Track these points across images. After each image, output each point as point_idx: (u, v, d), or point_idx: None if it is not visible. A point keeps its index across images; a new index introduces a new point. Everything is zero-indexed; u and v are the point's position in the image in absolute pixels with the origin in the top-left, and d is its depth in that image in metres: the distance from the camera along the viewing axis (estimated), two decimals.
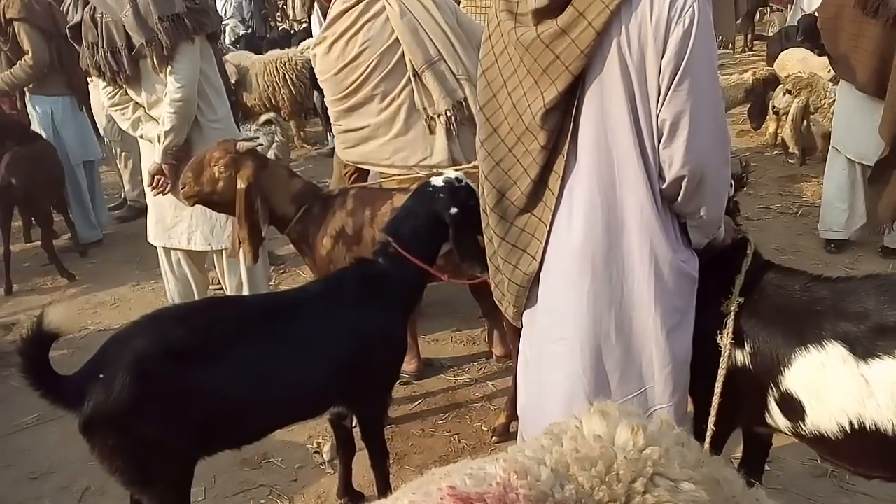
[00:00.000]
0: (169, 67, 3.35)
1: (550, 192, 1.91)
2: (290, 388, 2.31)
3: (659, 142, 1.83)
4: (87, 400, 2.02)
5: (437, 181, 2.58)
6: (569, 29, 1.77)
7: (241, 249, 3.11)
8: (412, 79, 3.37)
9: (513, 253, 2.00)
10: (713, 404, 1.98)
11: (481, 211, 2.11)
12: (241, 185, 3.00)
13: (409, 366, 3.47)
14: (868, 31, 3.95)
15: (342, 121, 3.62)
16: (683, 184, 1.84)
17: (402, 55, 3.39)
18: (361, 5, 3.42)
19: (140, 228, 3.96)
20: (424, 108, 3.39)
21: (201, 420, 2.15)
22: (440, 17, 3.38)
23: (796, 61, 6.78)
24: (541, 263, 1.97)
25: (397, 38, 3.38)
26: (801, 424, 1.93)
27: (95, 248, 5.75)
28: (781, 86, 6.27)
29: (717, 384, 1.97)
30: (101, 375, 2.04)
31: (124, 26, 3.33)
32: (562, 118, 1.87)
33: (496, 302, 2.18)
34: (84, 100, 5.61)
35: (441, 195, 2.52)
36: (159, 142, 3.44)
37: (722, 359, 1.97)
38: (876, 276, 2.01)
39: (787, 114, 6.22)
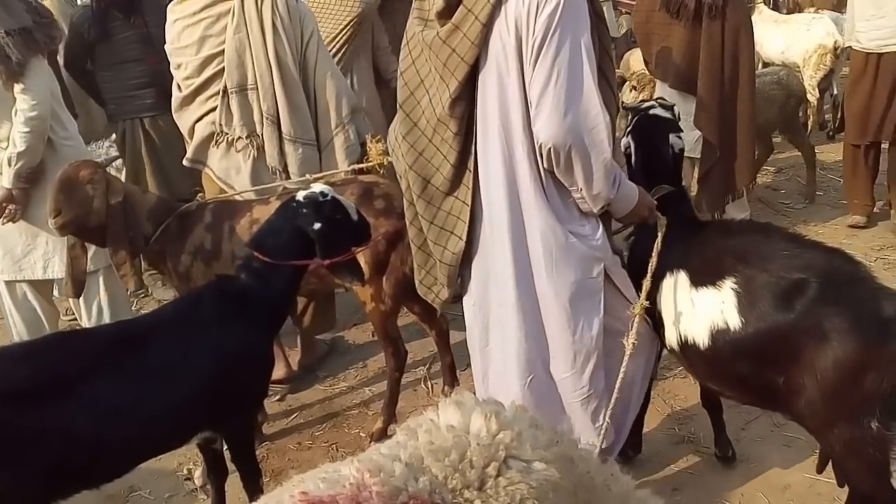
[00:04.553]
0: (21, 85, 3.14)
1: (470, 172, 2.10)
2: (150, 419, 2.18)
3: None
4: None
5: (300, 196, 2.49)
6: (461, 24, 1.99)
7: (122, 275, 2.93)
8: (220, 94, 3.29)
9: (441, 235, 2.18)
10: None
11: (406, 204, 2.24)
12: (114, 200, 2.84)
13: (277, 373, 3.34)
14: (676, 32, 4.29)
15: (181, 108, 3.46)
16: (553, 157, 1.97)
17: (223, 68, 3.28)
18: None
19: None
20: (221, 125, 3.31)
21: (53, 462, 2.01)
22: (273, 46, 3.22)
23: (639, 60, 7.20)
24: (468, 242, 2.14)
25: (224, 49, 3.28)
26: (664, 338, 2.35)
27: None
28: (627, 83, 6.63)
29: (626, 348, 2.14)
30: None
31: None
32: (469, 106, 2.06)
33: (425, 290, 2.31)
34: None
35: (304, 210, 2.42)
36: (10, 165, 3.21)
37: (632, 323, 2.16)
38: (730, 221, 2.55)
39: None
